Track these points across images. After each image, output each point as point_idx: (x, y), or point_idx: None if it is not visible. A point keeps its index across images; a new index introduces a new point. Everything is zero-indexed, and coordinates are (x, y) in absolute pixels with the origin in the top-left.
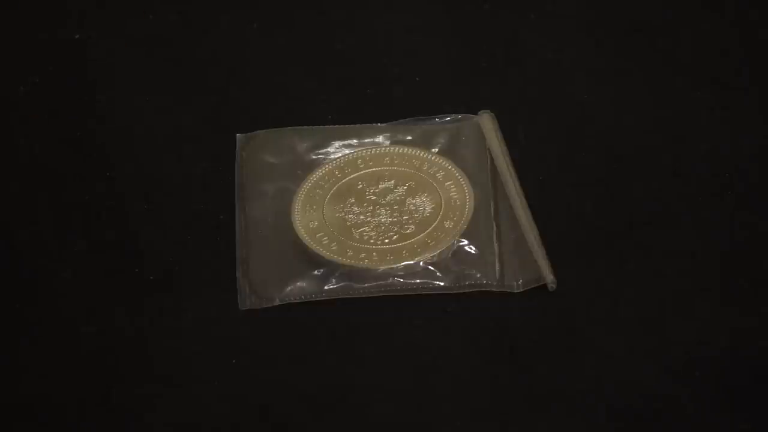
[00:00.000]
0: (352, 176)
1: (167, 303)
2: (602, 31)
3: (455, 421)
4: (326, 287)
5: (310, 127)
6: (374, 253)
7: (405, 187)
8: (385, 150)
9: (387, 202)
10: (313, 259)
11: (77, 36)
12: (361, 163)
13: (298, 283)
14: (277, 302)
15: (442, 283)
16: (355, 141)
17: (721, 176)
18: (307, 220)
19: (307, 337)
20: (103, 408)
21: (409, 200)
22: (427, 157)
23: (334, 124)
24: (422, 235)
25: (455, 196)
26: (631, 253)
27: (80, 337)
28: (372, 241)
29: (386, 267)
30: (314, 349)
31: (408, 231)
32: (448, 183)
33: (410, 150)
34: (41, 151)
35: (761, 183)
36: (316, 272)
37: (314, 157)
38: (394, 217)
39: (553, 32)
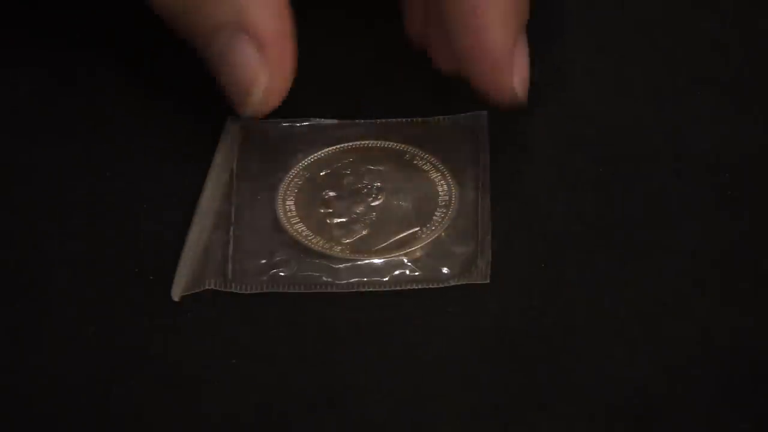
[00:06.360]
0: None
1: (167, 303)
2: (602, 31)
3: (455, 421)
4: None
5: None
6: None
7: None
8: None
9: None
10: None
11: (77, 35)
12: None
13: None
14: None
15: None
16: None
17: (721, 176)
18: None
19: (307, 337)
20: (103, 408)
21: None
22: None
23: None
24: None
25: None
26: (631, 253)
27: (80, 337)
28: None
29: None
30: (314, 348)
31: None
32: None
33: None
34: (41, 150)
35: (761, 183)
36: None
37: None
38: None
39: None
